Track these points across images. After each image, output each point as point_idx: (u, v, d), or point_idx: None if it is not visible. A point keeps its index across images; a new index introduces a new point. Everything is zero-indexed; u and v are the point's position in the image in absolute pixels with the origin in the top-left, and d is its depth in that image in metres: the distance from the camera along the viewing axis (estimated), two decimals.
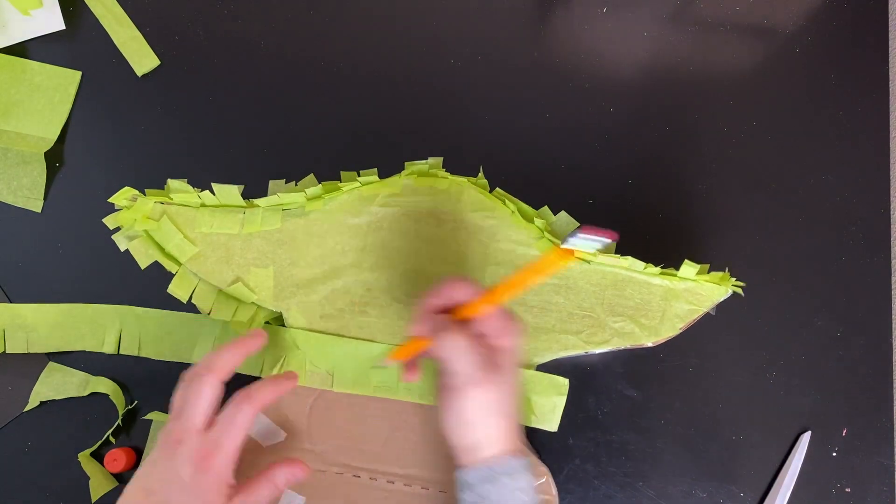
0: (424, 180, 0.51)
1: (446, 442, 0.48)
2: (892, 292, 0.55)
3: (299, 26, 0.59)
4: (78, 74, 0.57)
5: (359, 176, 0.50)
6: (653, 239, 0.55)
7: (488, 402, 0.41)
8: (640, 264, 0.49)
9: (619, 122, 0.57)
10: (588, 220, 0.55)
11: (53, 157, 0.56)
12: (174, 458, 0.40)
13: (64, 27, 0.58)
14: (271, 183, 0.53)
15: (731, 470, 0.52)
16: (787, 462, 0.52)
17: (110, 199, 0.49)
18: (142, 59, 0.58)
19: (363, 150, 0.57)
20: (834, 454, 0.52)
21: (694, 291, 0.49)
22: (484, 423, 0.41)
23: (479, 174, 0.51)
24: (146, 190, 0.50)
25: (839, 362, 0.54)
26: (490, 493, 0.39)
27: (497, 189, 0.52)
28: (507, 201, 0.51)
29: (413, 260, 0.50)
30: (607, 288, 0.50)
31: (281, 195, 0.49)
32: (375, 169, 0.51)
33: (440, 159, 0.51)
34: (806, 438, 0.52)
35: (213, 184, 0.49)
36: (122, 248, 0.50)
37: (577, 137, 0.57)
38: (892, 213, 0.57)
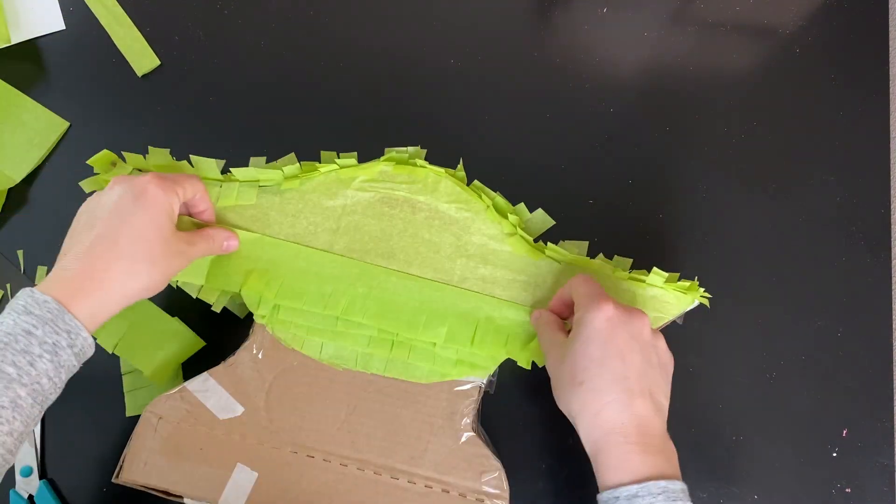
0: (402, 168, 0.51)
1: (402, 430, 0.48)
2: (892, 292, 0.55)
3: (299, 26, 0.59)
4: (65, 125, 0.56)
5: (338, 158, 0.50)
6: (653, 239, 0.55)
7: (627, 337, 0.41)
8: (608, 267, 0.49)
9: (619, 122, 0.57)
10: (588, 219, 0.55)
11: (55, 157, 0.56)
12: (111, 188, 0.42)
13: (64, 27, 0.58)
14: (252, 160, 0.53)
15: (731, 470, 0.52)
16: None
17: (89, 161, 0.49)
18: (142, 59, 0.58)
19: (363, 150, 0.57)
20: (834, 454, 0.52)
21: (661, 299, 0.49)
22: (611, 378, 0.40)
23: (459, 166, 0.51)
24: (125, 154, 0.49)
25: (839, 362, 0.54)
26: None
27: (475, 182, 0.52)
28: (483, 195, 0.51)
29: (384, 245, 0.50)
30: None
31: (258, 170, 0.49)
32: (355, 153, 0.51)
33: (421, 150, 0.51)
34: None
35: (191, 155, 0.49)
36: None
37: (577, 137, 0.57)
38: (892, 213, 0.57)
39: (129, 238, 0.40)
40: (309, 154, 0.57)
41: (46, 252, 0.54)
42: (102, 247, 0.40)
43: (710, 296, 0.49)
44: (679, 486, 0.38)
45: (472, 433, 0.48)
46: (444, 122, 0.57)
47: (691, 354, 0.54)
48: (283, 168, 0.49)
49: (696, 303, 0.49)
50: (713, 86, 0.58)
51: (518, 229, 0.50)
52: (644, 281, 0.49)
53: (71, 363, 0.39)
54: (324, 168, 0.50)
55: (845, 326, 0.54)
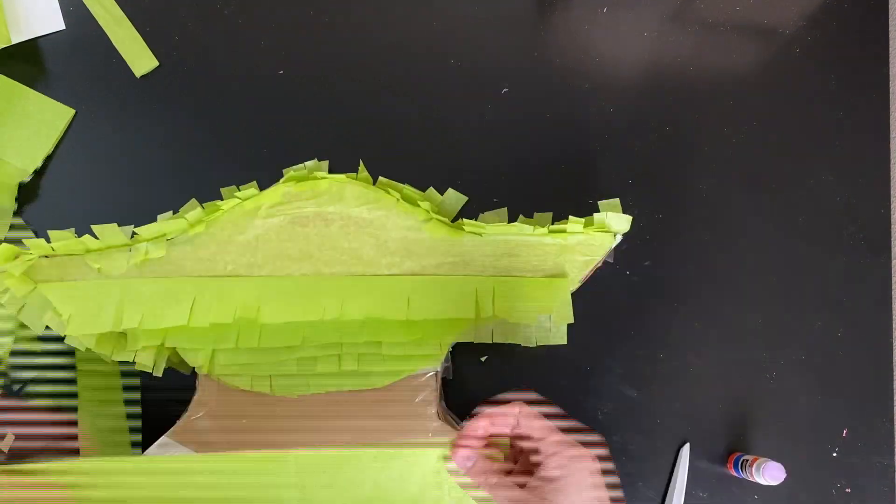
0: (304, 184, 0.50)
1: (371, 440, 0.47)
2: (892, 292, 0.55)
3: (299, 26, 0.59)
4: (71, 112, 0.56)
5: (238, 191, 0.50)
6: (653, 239, 0.55)
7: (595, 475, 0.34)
8: (528, 228, 0.49)
9: (619, 122, 0.57)
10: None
11: (51, 154, 0.56)
12: None
13: (64, 27, 0.58)
14: (159, 216, 0.53)
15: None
16: (673, 477, 0.52)
17: None
18: (140, 59, 0.57)
19: (363, 149, 0.57)
20: (834, 454, 0.53)
21: (587, 243, 0.49)
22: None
23: (360, 168, 0.52)
24: (27, 242, 0.49)
25: (839, 362, 0.54)
26: None
27: (381, 179, 0.52)
28: (390, 190, 0.51)
29: (307, 265, 0.50)
30: (502, 256, 0.50)
31: (162, 224, 0.49)
32: (254, 182, 0.51)
33: (321, 162, 0.52)
34: (686, 451, 0.52)
35: (92, 226, 0.48)
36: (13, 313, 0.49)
37: (577, 137, 0.57)
38: (892, 213, 0.57)
39: None
40: (309, 154, 0.57)
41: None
42: None
43: (630, 216, 0.48)
44: None
45: (440, 421, 0.48)
46: (443, 122, 0.57)
47: (691, 354, 0.54)
48: (186, 215, 0.49)
49: (619, 237, 0.49)
50: (713, 86, 0.58)
51: (432, 214, 0.50)
52: (565, 231, 0.49)
53: None
54: (226, 205, 0.50)
55: (845, 326, 0.54)
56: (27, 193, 0.55)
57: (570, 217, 0.48)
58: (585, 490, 0.34)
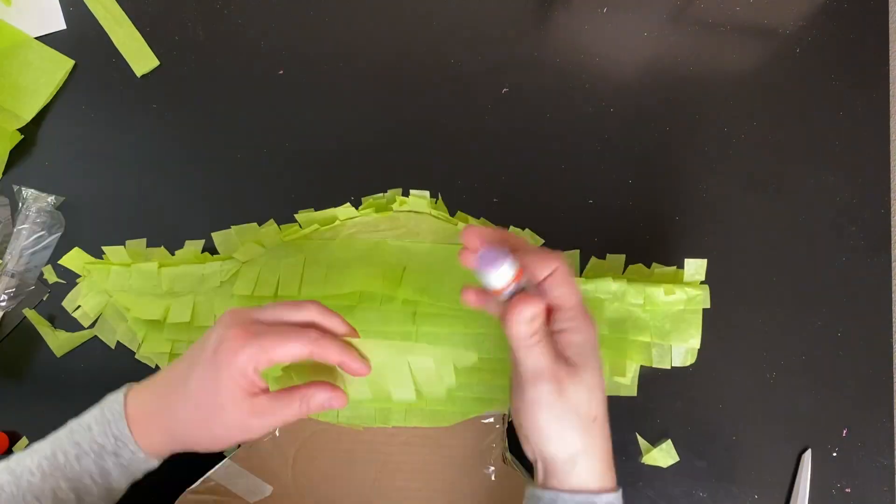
0: (384, 214, 0.51)
1: (434, 477, 0.47)
2: (892, 292, 0.55)
3: (299, 26, 0.59)
4: (70, 63, 0.57)
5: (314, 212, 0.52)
6: (653, 239, 0.55)
7: (564, 403, 0.36)
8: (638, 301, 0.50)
9: (619, 122, 0.57)
10: (588, 219, 0.55)
11: (47, 152, 0.56)
12: (210, 332, 0.37)
13: (65, 27, 0.58)
14: (186, 243, 0.54)
15: (731, 470, 0.52)
16: (795, 486, 0.51)
17: (61, 262, 0.52)
18: (141, 59, 0.58)
19: (363, 149, 0.57)
20: (834, 454, 0.52)
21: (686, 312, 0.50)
22: (562, 431, 0.36)
23: (439, 200, 0.53)
24: (105, 249, 0.52)
25: (839, 362, 0.54)
26: None
27: (459, 213, 0.53)
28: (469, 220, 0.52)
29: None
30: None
31: (247, 246, 0.51)
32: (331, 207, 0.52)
33: (396, 190, 0.53)
34: (808, 457, 0.52)
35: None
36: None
37: (577, 137, 0.57)
38: (892, 213, 0.57)
39: (183, 393, 0.37)
40: (309, 153, 0.57)
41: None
42: (170, 387, 0.38)
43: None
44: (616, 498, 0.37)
45: (504, 464, 0.48)
46: (443, 122, 0.57)
47: None
48: (263, 239, 0.51)
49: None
50: (713, 86, 0.58)
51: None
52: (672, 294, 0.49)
53: (115, 472, 0.37)
54: (305, 229, 0.51)
55: (845, 326, 0.54)
56: (32, 134, 0.56)
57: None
58: (549, 405, 0.36)
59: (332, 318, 0.39)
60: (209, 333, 0.37)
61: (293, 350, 0.36)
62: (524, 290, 0.36)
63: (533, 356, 0.36)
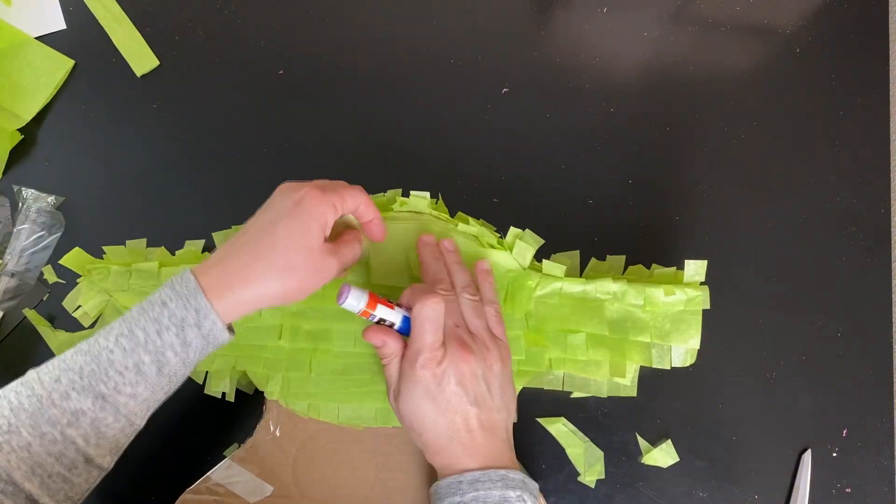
0: (384, 214, 0.52)
1: (432, 481, 0.46)
2: (892, 292, 0.55)
3: (299, 27, 0.59)
4: (70, 63, 0.57)
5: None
6: (653, 239, 0.55)
7: (456, 382, 0.41)
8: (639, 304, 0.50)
9: (619, 122, 0.57)
10: (588, 219, 0.55)
11: (47, 152, 0.56)
12: (277, 195, 0.42)
13: (65, 27, 0.58)
14: (186, 243, 0.55)
15: (730, 470, 0.52)
16: (795, 486, 0.52)
17: (62, 261, 0.52)
18: (141, 59, 0.58)
19: (362, 149, 0.57)
20: (834, 454, 0.52)
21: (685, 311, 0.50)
22: (409, 429, 0.41)
23: (439, 200, 0.53)
24: (106, 248, 0.52)
25: (839, 362, 0.54)
26: None
27: (459, 213, 0.53)
28: (469, 220, 0.52)
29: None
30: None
31: None
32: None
33: (397, 191, 0.54)
34: (808, 457, 0.52)
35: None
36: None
37: (577, 137, 0.57)
38: (892, 213, 0.57)
39: (269, 244, 0.40)
40: (309, 153, 0.57)
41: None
42: (245, 248, 0.40)
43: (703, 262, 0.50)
44: (519, 476, 0.40)
45: None
46: (443, 122, 0.57)
47: None
48: None
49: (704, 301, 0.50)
50: (713, 86, 0.58)
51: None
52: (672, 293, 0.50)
53: (197, 343, 0.39)
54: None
55: (845, 326, 0.54)
56: (31, 134, 0.56)
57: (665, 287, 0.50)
58: (427, 390, 0.41)
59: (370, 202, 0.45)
60: (278, 198, 0.42)
61: (359, 199, 0.43)
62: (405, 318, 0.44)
63: (386, 371, 0.44)
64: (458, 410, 0.41)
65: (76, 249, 0.53)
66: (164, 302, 0.38)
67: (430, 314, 0.42)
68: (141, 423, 0.39)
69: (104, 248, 0.53)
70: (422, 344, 0.42)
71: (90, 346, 0.38)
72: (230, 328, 0.40)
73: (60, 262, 0.52)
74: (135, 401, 0.38)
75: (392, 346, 0.43)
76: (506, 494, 0.39)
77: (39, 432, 0.36)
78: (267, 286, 0.40)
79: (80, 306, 0.52)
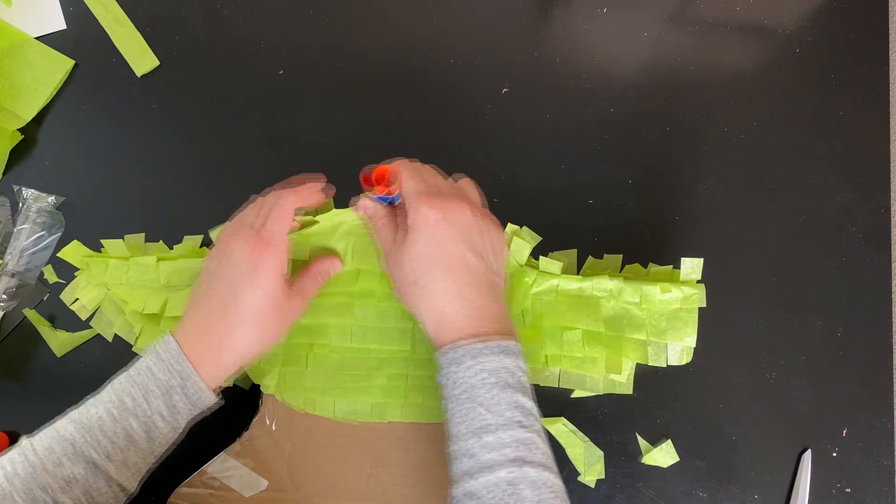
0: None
1: (430, 472, 0.47)
2: (892, 292, 0.55)
3: (299, 26, 0.59)
4: (70, 63, 0.57)
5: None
6: (652, 239, 0.55)
7: (447, 239, 0.41)
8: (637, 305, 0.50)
9: (619, 122, 0.57)
10: (588, 219, 0.55)
11: (47, 152, 0.56)
12: (231, 248, 0.42)
13: (65, 27, 0.58)
14: (185, 237, 0.55)
15: (730, 470, 0.52)
16: (795, 486, 0.51)
17: (60, 255, 0.52)
18: (141, 59, 0.58)
19: (363, 149, 0.57)
20: (834, 454, 0.52)
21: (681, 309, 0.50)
22: (441, 274, 0.41)
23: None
24: (103, 242, 0.52)
25: (839, 362, 0.54)
26: (453, 374, 0.39)
27: None
28: None
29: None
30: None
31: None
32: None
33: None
34: (808, 457, 0.52)
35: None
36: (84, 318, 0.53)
37: (577, 137, 0.57)
38: (892, 213, 0.57)
39: (239, 312, 0.41)
40: (309, 153, 0.57)
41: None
42: (217, 314, 0.41)
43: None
44: (515, 344, 0.40)
45: None
46: (443, 122, 0.57)
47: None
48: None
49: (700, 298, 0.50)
50: (713, 85, 0.58)
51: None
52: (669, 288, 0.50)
53: (184, 407, 0.40)
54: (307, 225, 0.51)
55: (845, 326, 0.54)
56: (31, 135, 0.56)
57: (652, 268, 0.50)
58: (429, 235, 0.41)
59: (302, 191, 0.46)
60: (237, 256, 0.42)
61: (294, 204, 0.45)
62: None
63: (380, 235, 0.46)
64: (457, 254, 0.41)
65: (74, 242, 0.53)
66: (149, 368, 0.39)
67: (412, 167, 0.44)
68: (132, 488, 0.40)
69: (102, 241, 0.53)
70: (416, 186, 0.43)
71: (80, 415, 0.39)
72: (216, 392, 0.41)
73: (59, 254, 0.52)
74: (126, 467, 0.39)
75: (381, 209, 0.46)
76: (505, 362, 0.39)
77: (31, 497, 0.37)
78: (245, 350, 0.42)
79: (77, 299, 0.52)
